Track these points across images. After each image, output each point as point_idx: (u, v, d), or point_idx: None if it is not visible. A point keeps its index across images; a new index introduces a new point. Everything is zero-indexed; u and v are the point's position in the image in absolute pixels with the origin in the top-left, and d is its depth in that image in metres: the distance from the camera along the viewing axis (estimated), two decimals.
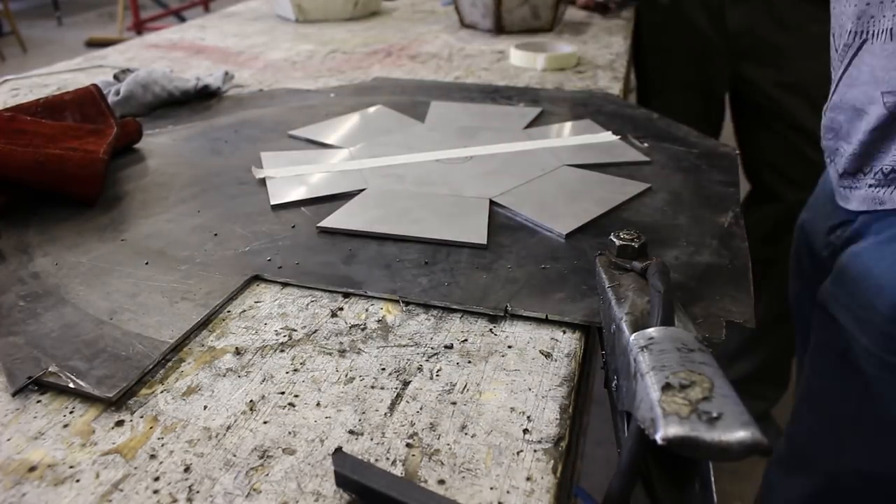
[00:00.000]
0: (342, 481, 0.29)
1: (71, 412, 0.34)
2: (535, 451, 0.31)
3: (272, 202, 0.54)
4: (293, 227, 0.50)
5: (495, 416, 0.33)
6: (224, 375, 0.36)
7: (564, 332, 0.39)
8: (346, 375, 0.36)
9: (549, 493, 0.29)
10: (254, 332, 0.40)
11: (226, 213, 0.53)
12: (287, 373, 0.36)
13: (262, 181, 0.58)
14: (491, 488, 0.29)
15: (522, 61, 0.94)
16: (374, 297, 0.42)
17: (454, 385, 0.35)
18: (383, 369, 0.36)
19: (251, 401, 0.34)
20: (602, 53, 1.00)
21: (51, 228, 0.51)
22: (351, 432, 0.32)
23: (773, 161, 1.20)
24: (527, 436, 0.32)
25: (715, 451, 0.24)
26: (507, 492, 0.29)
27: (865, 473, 0.61)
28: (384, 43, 1.10)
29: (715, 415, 0.25)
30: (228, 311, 0.42)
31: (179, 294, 0.42)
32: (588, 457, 1.30)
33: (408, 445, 0.31)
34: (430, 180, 0.57)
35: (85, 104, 0.63)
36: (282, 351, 0.38)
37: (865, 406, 0.57)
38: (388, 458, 0.31)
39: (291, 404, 0.34)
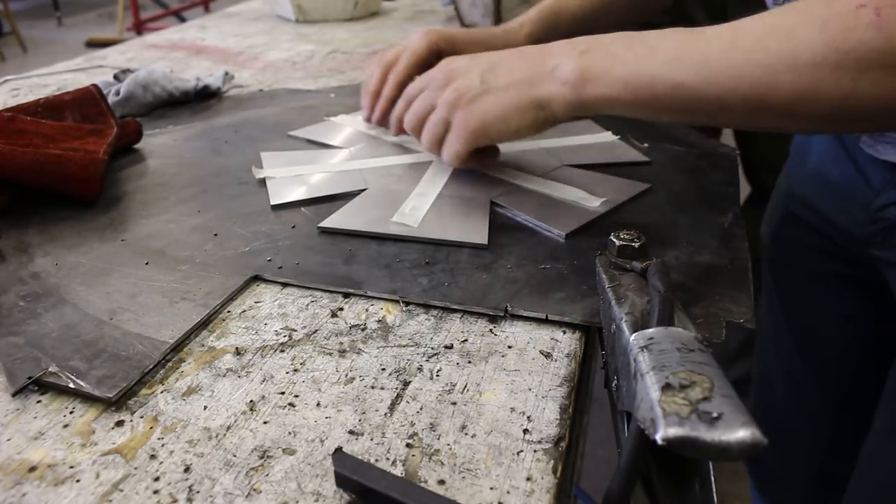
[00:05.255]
0: (342, 481, 0.29)
1: (71, 412, 0.34)
2: (535, 451, 0.31)
3: (272, 202, 0.54)
4: (293, 227, 0.50)
5: (495, 416, 0.33)
6: (224, 375, 0.36)
7: (564, 333, 0.39)
8: (346, 375, 0.36)
9: (549, 493, 0.29)
10: (254, 332, 0.40)
11: (226, 213, 0.53)
12: (287, 373, 0.36)
13: (262, 181, 0.58)
14: (491, 488, 0.29)
15: None
16: (374, 297, 0.42)
17: (454, 385, 0.35)
18: (383, 369, 0.36)
19: (251, 401, 0.34)
20: None
21: (51, 228, 0.51)
22: (351, 432, 0.32)
23: (772, 162, 1.20)
24: (527, 436, 0.32)
25: (715, 451, 0.24)
26: (507, 492, 0.29)
27: None
28: (384, 43, 1.10)
29: (715, 415, 0.25)
30: (228, 312, 0.42)
31: (179, 294, 0.42)
32: (588, 457, 1.30)
33: (408, 445, 0.31)
34: (430, 180, 0.57)
35: (85, 104, 0.63)
36: (282, 351, 0.38)
37: None
38: (388, 458, 0.31)
39: (291, 404, 0.34)
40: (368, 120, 0.68)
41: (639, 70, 0.42)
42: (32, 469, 0.30)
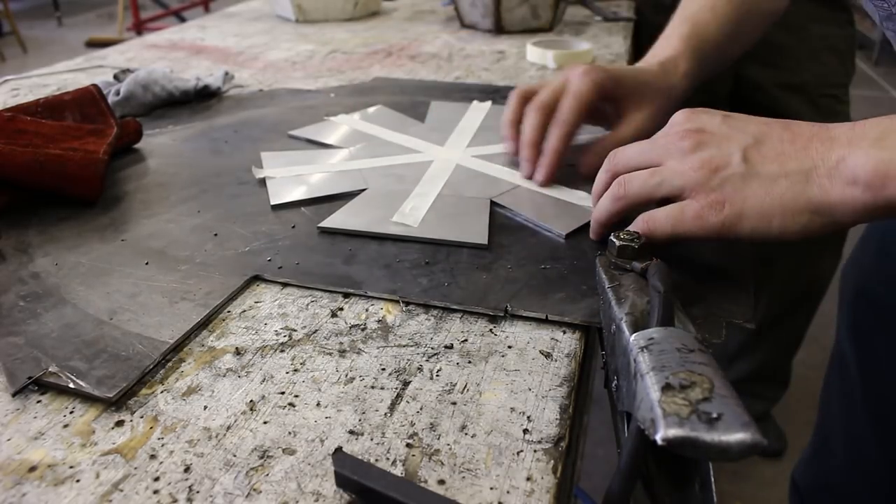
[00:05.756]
0: (342, 481, 0.29)
1: (71, 412, 0.34)
2: (535, 451, 0.31)
3: (272, 202, 0.54)
4: (293, 227, 0.50)
5: (495, 416, 0.33)
6: (224, 375, 0.36)
7: (564, 333, 0.39)
8: (346, 375, 0.36)
9: (549, 493, 0.29)
10: (254, 332, 0.40)
11: (226, 213, 0.53)
12: (287, 373, 0.36)
13: (262, 181, 0.58)
14: (491, 488, 0.29)
15: (537, 58, 0.95)
16: (374, 297, 0.42)
17: (454, 385, 0.35)
18: (383, 369, 0.36)
19: (251, 401, 0.34)
20: (602, 53, 1.00)
21: (51, 228, 0.51)
22: (351, 432, 0.32)
23: None
24: (527, 436, 0.32)
25: (715, 452, 0.24)
26: (507, 492, 0.29)
27: None
28: (384, 43, 1.10)
29: (715, 415, 0.25)
30: (228, 312, 0.42)
31: (179, 294, 0.42)
32: (588, 457, 1.30)
33: (408, 445, 0.31)
34: (430, 180, 0.57)
35: (85, 104, 0.63)
36: (282, 351, 0.38)
37: None
38: (388, 458, 0.31)
39: (291, 404, 0.34)
40: (529, 176, 0.56)
41: None
42: (32, 469, 0.30)
